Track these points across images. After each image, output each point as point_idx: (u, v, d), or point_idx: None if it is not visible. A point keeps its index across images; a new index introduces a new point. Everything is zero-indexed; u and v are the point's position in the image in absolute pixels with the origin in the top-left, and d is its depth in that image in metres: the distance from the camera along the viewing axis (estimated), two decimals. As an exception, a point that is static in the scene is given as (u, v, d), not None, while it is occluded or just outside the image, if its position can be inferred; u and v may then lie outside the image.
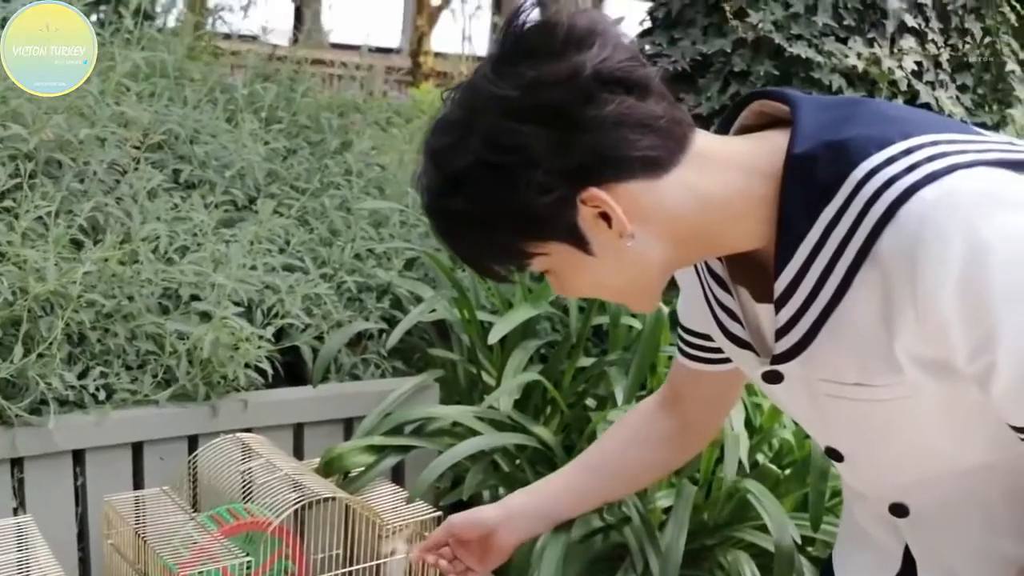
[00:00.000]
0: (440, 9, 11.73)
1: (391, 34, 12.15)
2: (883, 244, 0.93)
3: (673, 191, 1.01)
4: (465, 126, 1.00)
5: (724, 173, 1.02)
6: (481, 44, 9.50)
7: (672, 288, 1.29)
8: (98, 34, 2.91)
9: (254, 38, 4.40)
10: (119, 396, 2.25)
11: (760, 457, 2.35)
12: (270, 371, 2.46)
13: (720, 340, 1.19)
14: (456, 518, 1.45)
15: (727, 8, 3.34)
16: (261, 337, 2.41)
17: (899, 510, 1.16)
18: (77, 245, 2.35)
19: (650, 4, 3.68)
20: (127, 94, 2.85)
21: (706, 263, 1.14)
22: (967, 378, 0.96)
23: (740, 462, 2.14)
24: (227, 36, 4.35)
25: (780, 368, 1.09)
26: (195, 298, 2.40)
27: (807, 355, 1.04)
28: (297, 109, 3.55)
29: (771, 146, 1.02)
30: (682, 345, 1.34)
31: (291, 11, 8.51)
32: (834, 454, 1.17)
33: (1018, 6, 3.64)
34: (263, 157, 3.07)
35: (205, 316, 2.36)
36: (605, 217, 1.00)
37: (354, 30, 7.70)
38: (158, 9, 4.26)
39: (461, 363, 2.76)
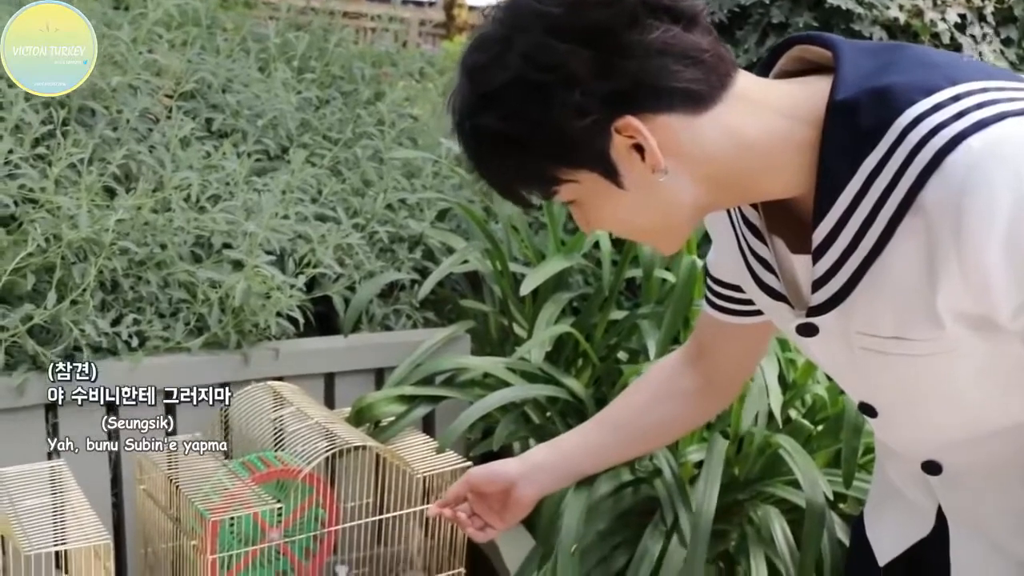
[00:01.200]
0: (475, -38, 11.62)
1: (425, -13, 12.04)
2: (928, 194, 0.90)
3: (711, 130, 0.98)
4: (505, 42, 0.97)
5: (764, 117, 0.99)
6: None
7: (706, 242, 1.26)
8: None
9: (288, -10, 4.38)
10: (151, 343, 2.26)
11: (793, 412, 2.33)
12: (302, 320, 2.46)
13: (753, 292, 1.16)
14: (475, 471, 1.44)
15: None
16: (293, 286, 2.41)
17: (932, 467, 1.15)
18: (110, 193, 2.36)
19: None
20: (159, 42, 2.84)
21: (741, 211, 1.11)
22: (1011, 335, 0.94)
23: (773, 417, 2.12)
24: (260, -13, 4.34)
25: (815, 321, 1.06)
26: (227, 247, 2.40)
27: (844, 307, 1.01)
28: (330, 59, 3.53)
29: (812, 91, 0.99)
30: (710, 295, 1.31)
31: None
32: (868, 409, 1.15)
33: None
34: (295, 107, 3.07)
35: (237, 265, 2.37)
36: (639, 150, 0.98)
37: (388, -18, 7.63)
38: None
39: (493, 315, 2.75)
